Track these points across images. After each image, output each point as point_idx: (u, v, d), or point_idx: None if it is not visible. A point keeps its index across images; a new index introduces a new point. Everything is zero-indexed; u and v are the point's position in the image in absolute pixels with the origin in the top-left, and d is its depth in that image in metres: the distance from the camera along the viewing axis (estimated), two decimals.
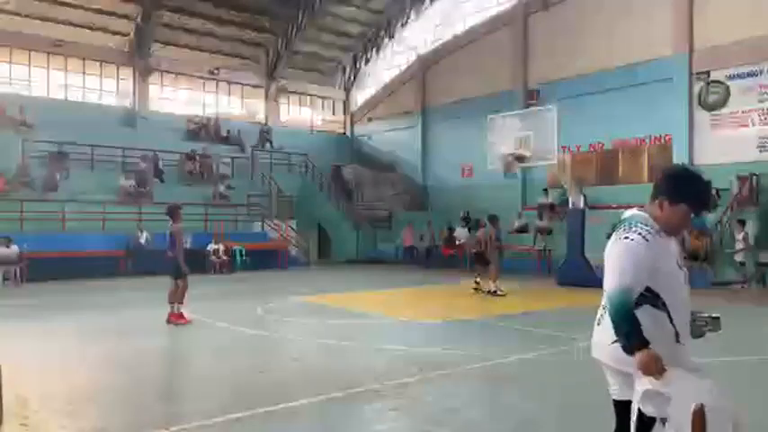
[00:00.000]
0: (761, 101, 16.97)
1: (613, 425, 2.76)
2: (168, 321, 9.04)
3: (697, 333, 2.68)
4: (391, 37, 30.37)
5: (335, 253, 24.72)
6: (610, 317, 2.53)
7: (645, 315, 2.49)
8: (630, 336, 2.42)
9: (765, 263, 14.94)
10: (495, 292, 12.57)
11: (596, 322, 2.77)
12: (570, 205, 15.72)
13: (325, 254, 25.07)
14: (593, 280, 14.20)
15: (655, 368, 2.36)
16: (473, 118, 22.93)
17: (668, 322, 2.55)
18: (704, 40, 18.00)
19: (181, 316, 9.12)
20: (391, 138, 29.33)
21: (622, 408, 2.65)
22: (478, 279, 13.25)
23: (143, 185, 20.25)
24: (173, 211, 9.69)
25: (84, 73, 24.97)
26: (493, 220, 13.67)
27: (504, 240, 20.34)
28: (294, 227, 22.68)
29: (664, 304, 2.55)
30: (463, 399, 5.23)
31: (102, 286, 14.65)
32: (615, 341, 2.51)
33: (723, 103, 17.69)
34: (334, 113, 32.43)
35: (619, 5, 20.00)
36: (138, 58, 25.47)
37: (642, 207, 2.79)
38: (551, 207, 20.27)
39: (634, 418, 2.48)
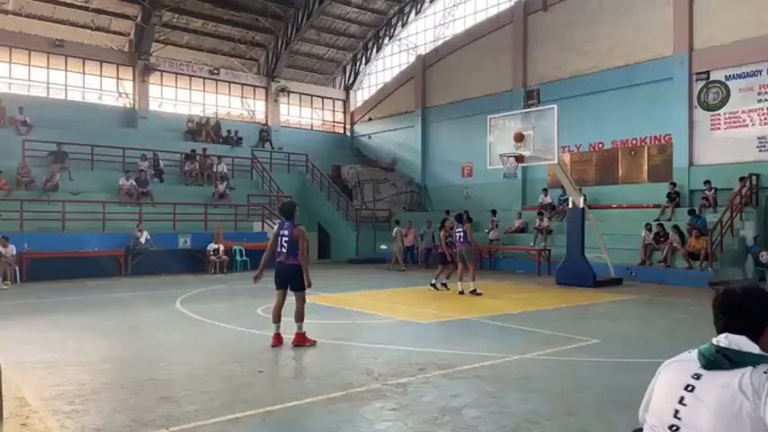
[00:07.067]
0: (761, 101, 16.98)
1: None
2: (294, 344, 7.43)
3: None
4: (391, 37, 30.41)
5: (335, 253, 24.72)
6: None
7: None
8: None
9: (765, 263, 14.97)
10: (474, 291, 12.86)
11: None
12: (570, 205, 15.73)
13: (324, 254, 25.07)
14: (591, 280, 14.33)
15: None
16: (473, 118, 22.99)
17: None
18: (704, 40, 18.01)
19: (305, 336, 7.54)
20: (391, 137, 29.36)
21: None
22: (445, 281, 13.77)
23: (143, 185, 20.25)
24: (291, 209, 7.73)
25: (84, 73, 24.98)
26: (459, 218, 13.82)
27: (504, 241, 20.49)
28: None
29: None
30: (463, 399, 5.23)
31: (102, 286, 14.65)
32: None
33: (723, 103, 17.69)
34: (334, 113, 32.45)
35: (619, 5, 20.02)
36: (138, 58, 25.48)
37: None
38: (551, 207, 20.31)
39: None
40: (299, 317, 7.51)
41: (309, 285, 7.60)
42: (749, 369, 1.90)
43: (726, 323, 2.05)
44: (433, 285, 13.69)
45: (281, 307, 7.60)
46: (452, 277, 13.76)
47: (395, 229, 21.20)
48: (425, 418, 4.69)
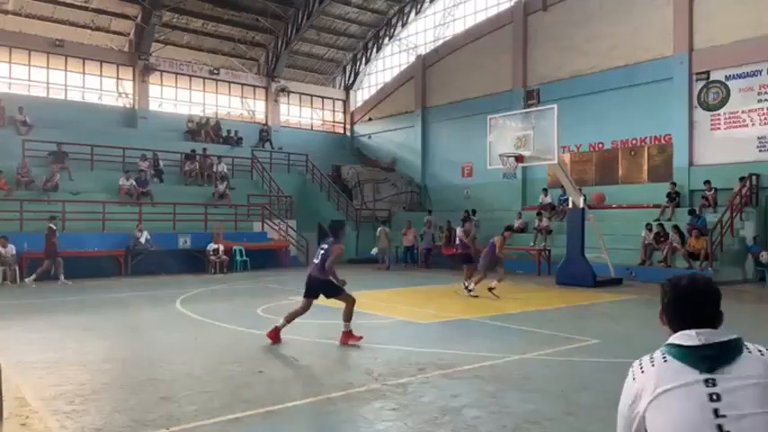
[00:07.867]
0: (761, 101, 16.98)
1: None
2: (342, 342, 7.69)
3: None
4: (391, 37, 30.41)
5: None
6: None
7: None
8: None
9: (765, 263, 14.97)
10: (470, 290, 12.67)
11: None
12: (570, 205, 15.73)
13: None
14: (591, 280, 14.33)
15: None
16: (473, 118, 22.98)
17: None
18: (704, 40, 18.01)
19: (351, 334, 7.79)
20: (391, 137, 29.36)
21: None
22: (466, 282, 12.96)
23: (143, 185, 20.25)
24: (336, 229, 8.61)
25: (84, 73, 24.97)
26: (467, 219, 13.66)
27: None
28: (294, 227, 22.68)
29: None
30: (463, 399, 5.23)
31: (102, 286, 14.65)
32: None
33: (723, 103, 17.69)
34: (334, 113, 32.45)
35: (619, 5, 20.03)
36: (138, 58, 25.49)
37: None
38: (551, 207, 20.31)
39: None
40: (347, 317, 7.75)
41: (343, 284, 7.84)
42: (746, 355, 1.86)
43: (691, 311, 1.96)
44: (492, 290, 12.63)
45: (300, 314, 7.83)
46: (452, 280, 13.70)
47: (378, 229, 21.39)
48: (425, 418, 4.69)
